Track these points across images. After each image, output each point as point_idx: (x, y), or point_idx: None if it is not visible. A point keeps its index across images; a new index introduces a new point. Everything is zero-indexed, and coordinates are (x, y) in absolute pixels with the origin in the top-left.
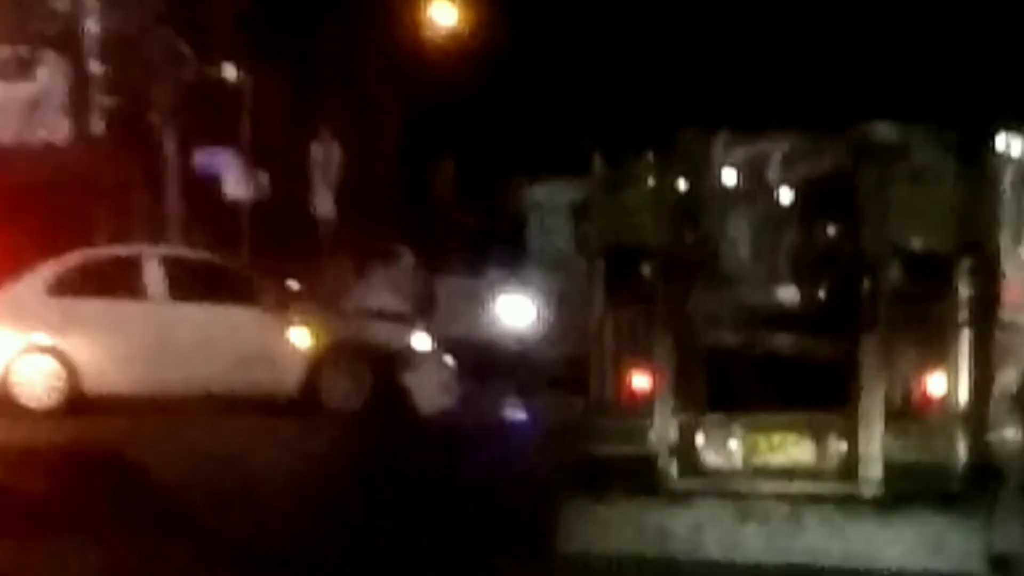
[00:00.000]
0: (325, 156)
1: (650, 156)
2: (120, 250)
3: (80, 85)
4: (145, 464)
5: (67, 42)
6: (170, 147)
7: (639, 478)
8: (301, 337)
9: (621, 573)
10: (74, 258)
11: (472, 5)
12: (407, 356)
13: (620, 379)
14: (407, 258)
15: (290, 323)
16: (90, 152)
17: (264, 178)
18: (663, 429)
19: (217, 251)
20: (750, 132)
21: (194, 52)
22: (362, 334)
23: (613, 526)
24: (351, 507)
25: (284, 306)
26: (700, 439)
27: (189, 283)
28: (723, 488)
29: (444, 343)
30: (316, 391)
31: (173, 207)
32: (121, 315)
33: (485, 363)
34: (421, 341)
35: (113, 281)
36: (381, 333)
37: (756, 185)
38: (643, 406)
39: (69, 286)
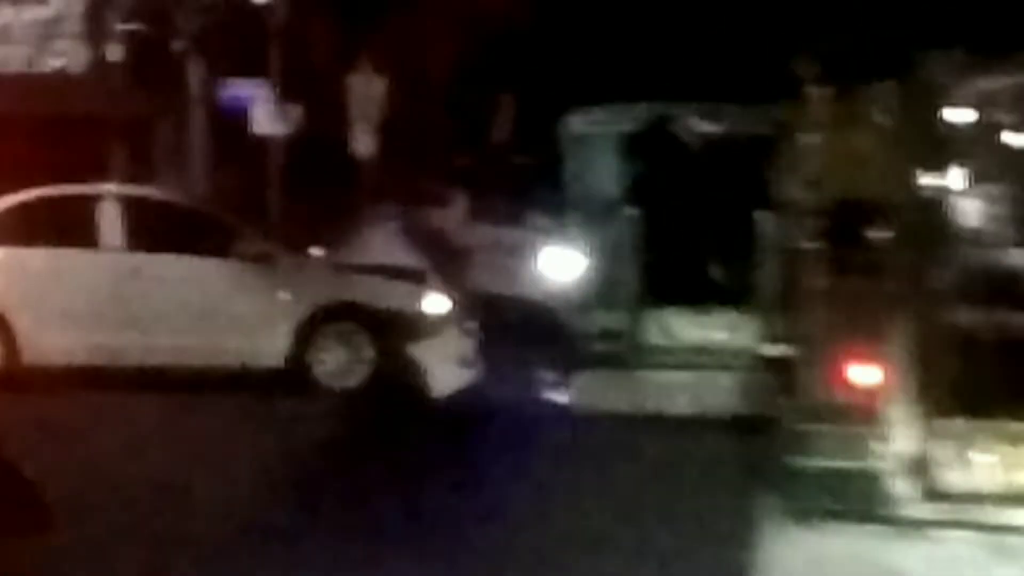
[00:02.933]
0: (366, 90)
1: (881, 86)
2: (72, 189)
3: (97, 9)
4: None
5: None
6: (195, 78)
7: (862, 501)
8: (289, 297)
9: None
10: (16, 199)
11: None
12: (417, 322)
13: (837, 372)
14: (459, 205)
15: (276, 280)
16: (107, 83)
17: (297, 113)
18: (893, 438)
19: (244, 193)
20: (1001, 56)
21: None
22: (362, 295)
23: (828, 562)
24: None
25: (269, 259)
26: (941, 452)
27: (153, 230)
28: (971, 517)
29: (476, 303)
30: (305, 364)
31: (197, 144)
32: (70, 268)
33: (521, 329)
34: (436, 304)
35: (63, 227)
36: (386, 294)
37: (1011, 123)
38: (867, 407)
39: (9, 232)
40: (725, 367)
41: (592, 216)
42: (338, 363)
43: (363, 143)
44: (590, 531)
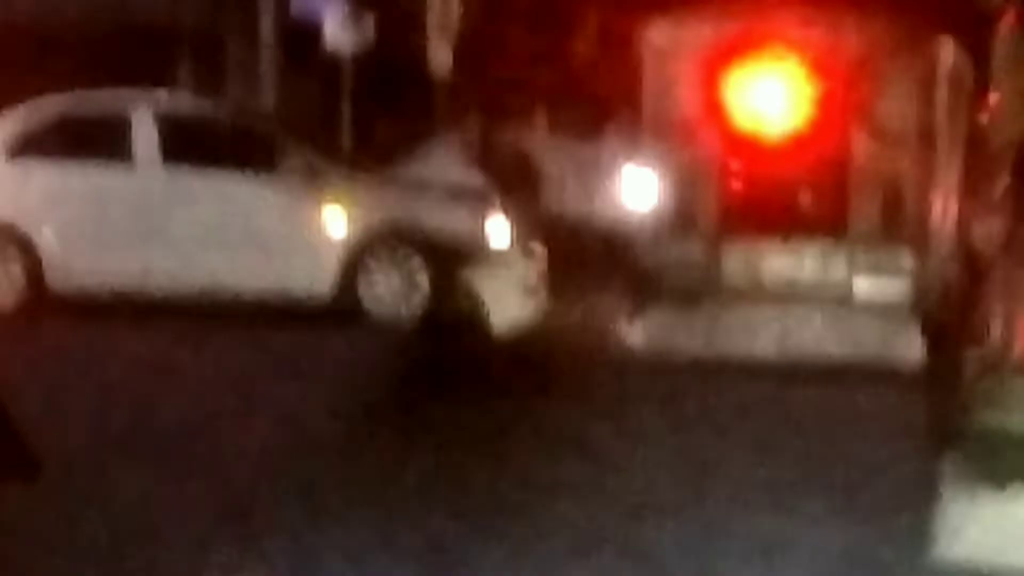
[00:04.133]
0: (444, 1)
1: None
2: (102, 98)
3: None
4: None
5: None
6: None
7: None
8: (336, 220)
9: None
10: (40, 109)
11: None
12: (478, 247)
13: None
14: (539, 121)
15: (322, 198)
16: None
17: (371, 25)
18: None
19: (317, 108)
20: None
21: None
22: (418, 216)
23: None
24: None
25: (315, 176)
26: None
27: (190, 144)
28: None
29: (548, 225)
30: (354, 294)
31: (267, 57)
32: (100, 186)
33: (595, 255)
34: (500, 227)
35: (92, 140)
36: (445, 215)
37: None
38: None
39: (33, 146)
40: (816, 304)
41: (672, 134)
42: (390, 291)
43: (440, 56)
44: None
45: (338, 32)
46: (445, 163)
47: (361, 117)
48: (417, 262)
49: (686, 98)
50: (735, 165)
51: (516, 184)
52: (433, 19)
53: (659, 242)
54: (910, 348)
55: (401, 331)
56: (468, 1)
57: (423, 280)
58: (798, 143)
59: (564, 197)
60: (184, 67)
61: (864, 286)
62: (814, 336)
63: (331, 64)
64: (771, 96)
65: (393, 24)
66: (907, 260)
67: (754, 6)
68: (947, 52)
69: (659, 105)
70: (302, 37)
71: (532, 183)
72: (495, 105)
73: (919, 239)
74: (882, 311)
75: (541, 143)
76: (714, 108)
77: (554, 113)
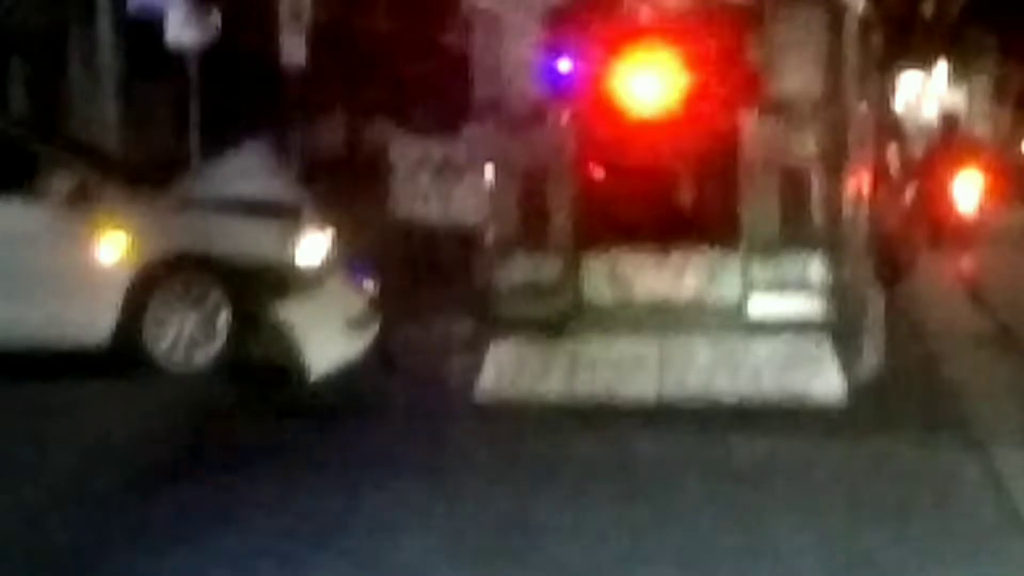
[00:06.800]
0: None
1: None
2: None
3: None
4: None
5: None
6: None
7: None
8: (115, 248)
9: None
10: None
11: None
12: (289, 274)
13: None
14: (394, 115)
15: (98, 226)
16: None
17: (217, 19)
18: None
19: (162, 110)
20: None
21: None
22: (214, 241)
23: None
24: None
25: (89, 199)
26: None
27: None
28: None
29: (388, 238)
30: (138, 336)
31: (105, 56)
32: None
33: (441, 274)
34: (316, 248)
35: None
36: (247, 239)
37: None
38: None
39: None
40: (704, 330)
41: (519, 125)
42: (182, 334)
43: (292, 52)
44: None
45: (181, 28)
46: (250, 175)
47: (209, 116)
48: (215, 297)
49: (531, 82)
50: (597, 162)
51: (364, 187)
52: (284, 11)
53: (507, 257)
54: (820, 380)
55: (195, 380)
56: None
57: (222, 318)
58: (673, 133)
59: (416, 202)
60: (20, 67)
61: (762, 305)
62: (702, 369)
63: (177, 61)
64: (637, 76)
65: (242, 18)
66: (815, 271)
67: None
68: (853, 9)
69: (502, 92)
70: (146, 34)
71: (382, 186)
72: (349, 100)
73: (829, 243)
74: (784, 335)
75: (395, 140)
76: (568, 93)
77: (412, 108)
